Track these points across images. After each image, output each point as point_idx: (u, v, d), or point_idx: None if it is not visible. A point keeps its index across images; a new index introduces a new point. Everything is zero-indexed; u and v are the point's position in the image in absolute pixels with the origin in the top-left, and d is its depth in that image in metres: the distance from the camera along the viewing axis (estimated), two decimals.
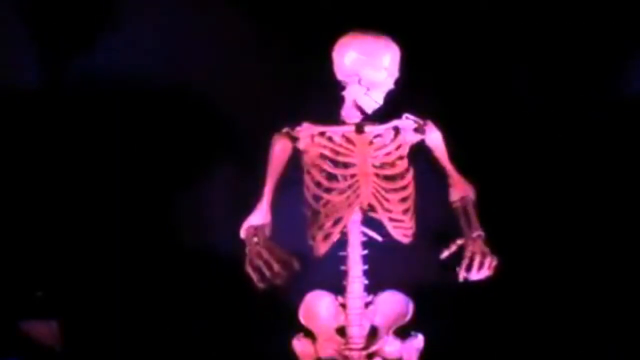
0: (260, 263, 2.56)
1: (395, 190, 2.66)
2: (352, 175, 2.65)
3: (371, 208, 2.64)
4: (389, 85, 2.68)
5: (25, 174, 3.21)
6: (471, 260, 2.61)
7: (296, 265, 2.53)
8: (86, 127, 3.21)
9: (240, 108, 3.21)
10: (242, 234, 2.70)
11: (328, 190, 2.66)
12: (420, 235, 2.70)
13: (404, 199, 2.67)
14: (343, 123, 2.72)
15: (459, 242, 2.67)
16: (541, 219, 3.19)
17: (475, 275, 2.61)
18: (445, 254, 2.67)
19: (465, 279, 2.61)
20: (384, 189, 2.65)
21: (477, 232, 2.68)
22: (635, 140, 3.19)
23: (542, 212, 3.20)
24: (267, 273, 2.54)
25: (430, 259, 2.73)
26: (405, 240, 2.67)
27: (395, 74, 2.68)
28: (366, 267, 2.66)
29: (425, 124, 2.74)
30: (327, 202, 2.66)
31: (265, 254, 2.57)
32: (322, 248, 2.65)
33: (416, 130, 2.73)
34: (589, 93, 3.22)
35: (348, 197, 2.64)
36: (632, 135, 3.19)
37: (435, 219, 2.83)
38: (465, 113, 3.14)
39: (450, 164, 2.77)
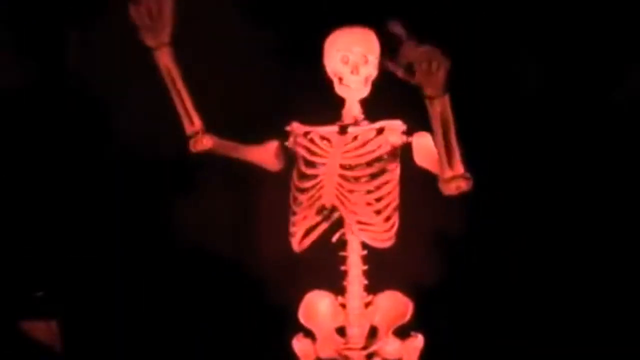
0: None
1: (367, 191, 2.63)
2: (318, 175, 2.66)
3: (335, 209, 2.62)
4: (368, 71, 2.68)
5: (25, 174, 3.21)
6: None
7: None
8: (84, 127, 3.21)
9: (241, 108, 3.21)
10: None
11: (300, 189, 2.68)
12: (419, 235, 2.70)
13: (375, 201, 2.62)
14: (341, 122, 2.73)
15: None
16: (540, 219, 3.19)
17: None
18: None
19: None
20: (350, 190, 2.62)
21: None
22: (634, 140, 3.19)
23: (540, 211, 3.19)
24: None
25: (430, 259, 2.74)
26: (376, 244, 2.62)
27: (368, 59, 2.66)
28: (366, 267, 2.66)
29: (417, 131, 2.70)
30: (296, 200, 2.68)
31: None
32: (293, 245, 2.67)
33: (404, 132, 2.71)
34: (587, 92, 3.22)
35: (311, 196, 2.64)
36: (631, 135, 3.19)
37: (435, 219, 2.82)
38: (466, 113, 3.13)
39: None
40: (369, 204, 2.62)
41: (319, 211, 2.63)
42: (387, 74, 2.76)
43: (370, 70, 2.69)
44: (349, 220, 2.61)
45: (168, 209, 3.20)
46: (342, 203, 2.61)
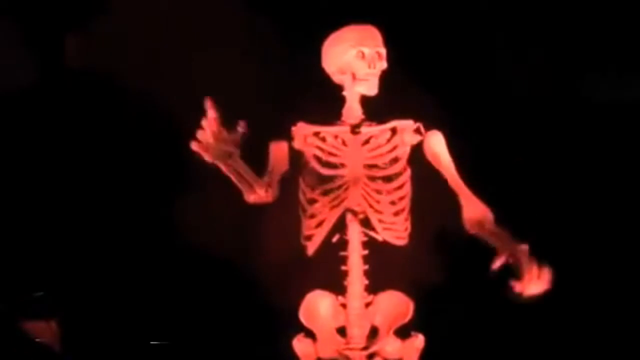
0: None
1: (387, 192, 2.65)
2: (341, 177, 2.65)
3: (360, 210, 2.63)
4: (381, 66, 2.68)
5: (24, 173, 3.21)
6: (529, 272, 2.43)
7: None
8: (84, 127, 3.21)
9: (242, 107, 3.20)
10: None
11: (318, 191, 2.67)
12: (420, 235, 2.70)
13: (395, 201, 2.65)
14: (343, 123, 2.73)
15: (506, 253, 2.47)
16: (541, 218, 3.19)
17: (535, 288, 2.44)
18: (497, 264, 2.46)
19: (521, 294, 2.44)
20: (374, 190, 2.64)
21: (522, 246, 2.49)
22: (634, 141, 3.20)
23: (541, 211, 3.19)
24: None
25: (430, 259, 2.73)
26: (398, 242, 2.65)
27: (381, 53, 2.68)
28: (367, 267, 2.66)
29: (429, 130, 2.71)
30: (315, 202, 2.67)
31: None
32: (309, 248, 2.67)
33: (416, 131, 2.72)
34: (589, 91, 3.22)
35: (335, 198, 2.64)
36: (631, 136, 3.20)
37: (436, 219, 2.82)
38: (468, 115, 3.13)
39: (459, 179, 2.68)
40: (391, 204, 2.65)
41: (346, 213, 2.63)
42: (386, 73, 2.79)
43: (383, 64, 2.71)
44: (374, 220, 2.62)
45: (169, 209, 3.20)
46: (369, 204, 2.63)
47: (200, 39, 3.20)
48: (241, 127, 2.32)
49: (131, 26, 3.20)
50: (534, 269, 2.43)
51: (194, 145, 2.33)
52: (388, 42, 2.77)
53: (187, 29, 3.21)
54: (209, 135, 2.30)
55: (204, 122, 2.30)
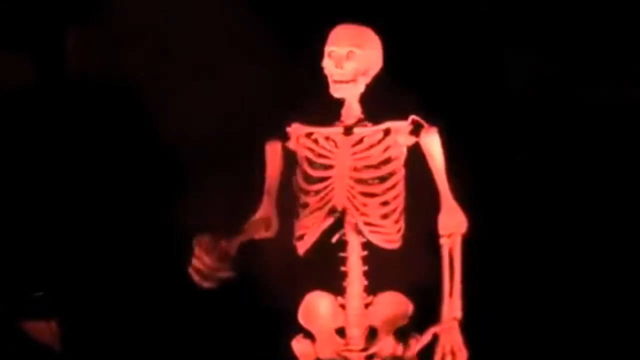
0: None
1: (376, 194, 2.63)
2: (328, 178, 2.65)
3: (345, 211, 2.62)
4: (354, 66, 2.64)
5: (24, 173, 3.21)
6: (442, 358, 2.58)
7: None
8: (84, 127, 3.22)
9: (242, 107, 3.21)
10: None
11: (306, 192, 2.67)
12: (419, 235, 2.69)
13: (384, 203, 2.63)
14: (339, 124, 2.72)
15: (433, 330, 2.61)
16: (541, 221, 3.19)
17: None
18: (418, 346, 2.62)
19: None
20: (361, 192, 2.62)
21: (455, 313, 2.61)
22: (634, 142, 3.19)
23: (542, 213, 3.19)
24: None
25: (430, 259, 2.73)
26: (387, 245, 2.63)
27: (355, 53, 2.63)
28: (366, 267, 2.65)
29: (426, 128, 2.69)
30: (305, 203, 2.66)
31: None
32: (299, 248, 2.66)
33: (412, 132, 2.70)
34: (592, 88, 3.21)
35: (321, 199, 2.63)
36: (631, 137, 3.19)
37: (435, 220, 2.81)
38: (468, 115, 3.13)
39: (446, 183, 2.67)
40: (379, 205, 2.62)
41: (330, 214, 2.62)
42: (387, 74, 2.79)
43: (359, 65, 2.65)
44: (360, 222, 2.61)
45: (168, 210, 3.21)
46: (354, 205, 2.61)
47: (201, 39, 3.21)
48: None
49: (132, 26, 3.20)
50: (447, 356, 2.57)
51: (191, 276, 2.49)
52: (392, 43, 2.77)
53: (187, 29, 3.22)
54: (202, 265, 2.46)
55: (194, 259, 2.46)
